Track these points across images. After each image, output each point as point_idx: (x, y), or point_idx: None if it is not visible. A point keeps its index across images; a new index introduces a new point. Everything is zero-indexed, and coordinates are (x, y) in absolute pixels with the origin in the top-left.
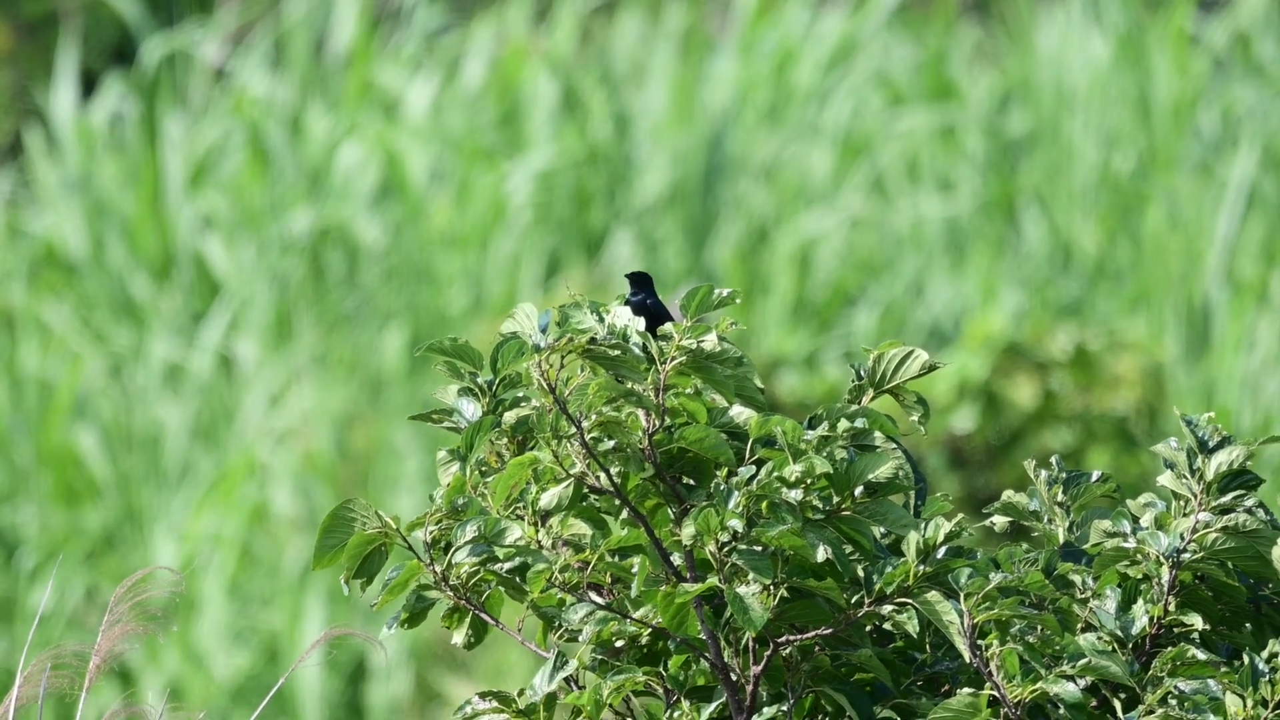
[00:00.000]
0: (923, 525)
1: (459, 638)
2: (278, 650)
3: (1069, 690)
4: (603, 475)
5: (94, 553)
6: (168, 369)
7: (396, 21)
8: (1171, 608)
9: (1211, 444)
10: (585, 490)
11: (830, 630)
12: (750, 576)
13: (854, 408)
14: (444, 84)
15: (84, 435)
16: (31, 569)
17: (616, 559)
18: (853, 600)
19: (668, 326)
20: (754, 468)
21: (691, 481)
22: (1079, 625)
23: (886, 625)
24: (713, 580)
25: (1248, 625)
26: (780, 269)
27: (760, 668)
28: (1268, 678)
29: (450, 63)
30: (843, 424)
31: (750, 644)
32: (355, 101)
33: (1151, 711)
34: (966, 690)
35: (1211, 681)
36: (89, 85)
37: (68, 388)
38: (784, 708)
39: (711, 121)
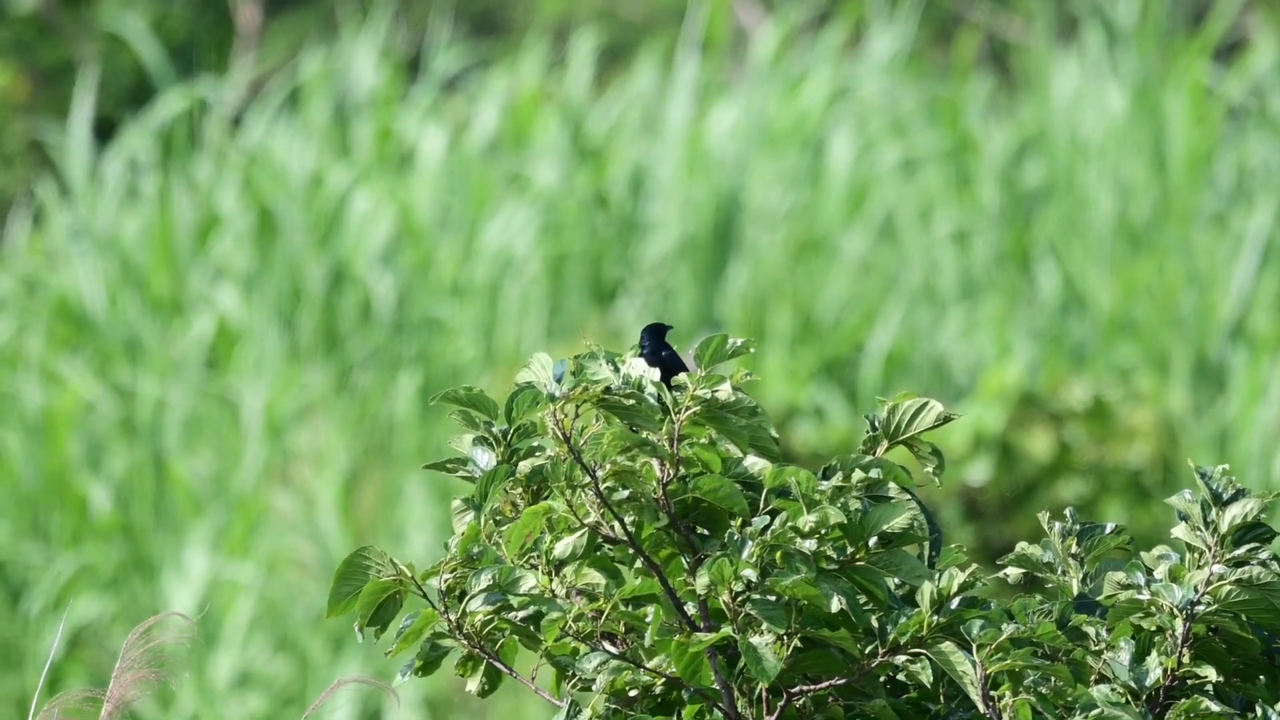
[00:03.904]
0: (937, 576)
1: (473, 685)
2: (291, 696)
3: None
4: (617, 525)
5: (105, 597)
6: (180, 416)
7: (413, 69)
8: (1185, 659)
9: (1226, 496)
10: (599, 540)
11: (844, 680)
12: (764, 626)
13: (868, 458)
14: (458, 132)
15: (96, 480)
16: (42, 612)
17: (630, 608)
18: (867, 650)
19: (682, 377)
20: (768, 518)
21: (705, 531)
22: (1092, 677)
23: (900, 676)
24: (727, 630)
25: (1261, 678)
26: (785, 319)
27: (774, 718)
28: None
29: (464, 111)
30: (857, 474)
31: (764, 694)
32: (370, 151)
33: None
34: None
35: None
36: (106, 132)
37: (79, 433)
38: None
39: (723, 172)
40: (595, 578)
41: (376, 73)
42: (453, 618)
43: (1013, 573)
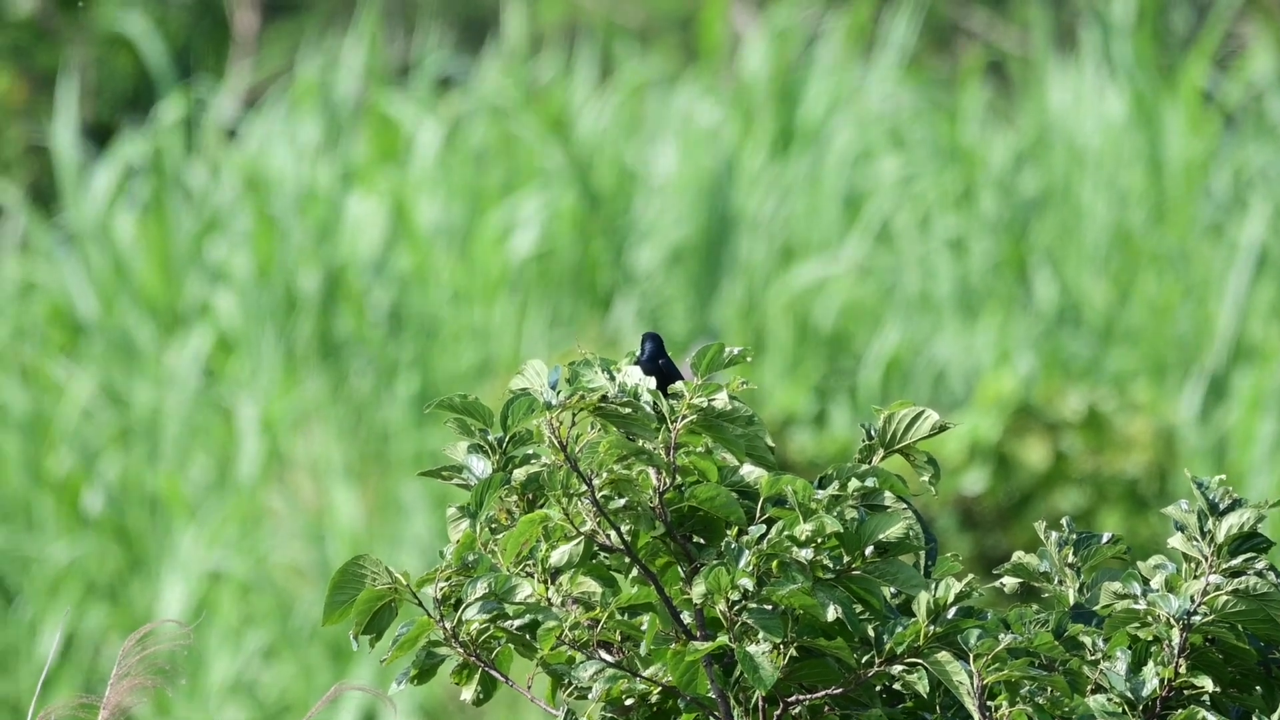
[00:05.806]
0: (933, 585)
1: (468, 694)
2: (287, 704)
3: None
4: (613, 533)
5: (99, 602)
6: (176, 423)
7: (408, 73)
8: (1182, 670)
9: (1222, 506)
10: (595, 548)
11: (840, 690)
12: (760, 635)
13: (864, 467)
14: (451, 136)
15: (91, 485)
16: (37, 618)
17: (626, 617)
18: (863, 660)
19: (679, 385)
20: (764, 526)
21: (702, 540)
22: (1089, 687)
23: (896, 685)
24: (723, 639)
25: (1258, 688)
26: (781, 326)
27: None
28: None
29: (458, 114)
30: (853, 483)
31: (760, 703)
32: (365, 153)
33: None
34: None
35: None
36: (103, 137)
37: (74, 438)
38: None
39: (717, 180)
40: (591, 586)
41: (372, 76)
42: (448, 626)
43: (1009, 582)
